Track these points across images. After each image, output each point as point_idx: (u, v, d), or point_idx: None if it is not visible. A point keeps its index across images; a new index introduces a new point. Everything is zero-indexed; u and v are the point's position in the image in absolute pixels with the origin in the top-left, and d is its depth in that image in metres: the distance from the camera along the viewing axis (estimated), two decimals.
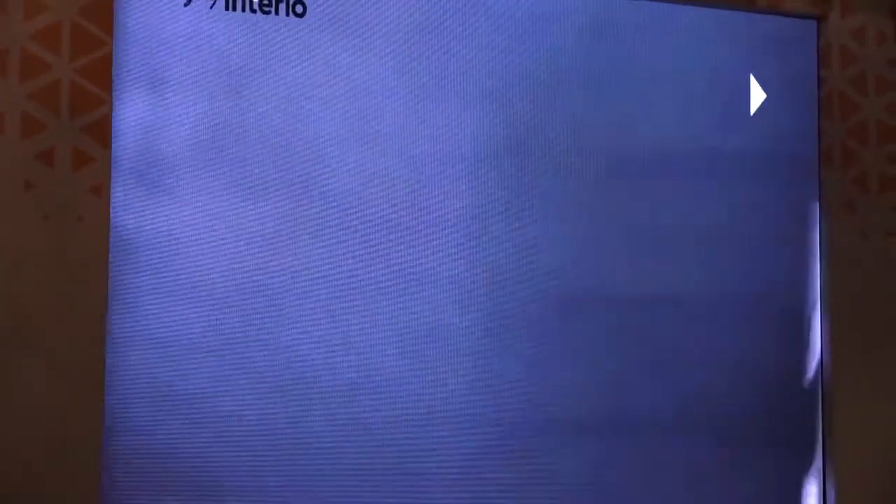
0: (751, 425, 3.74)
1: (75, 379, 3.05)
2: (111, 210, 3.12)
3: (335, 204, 3.31)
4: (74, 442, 3.05)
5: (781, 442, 3.78)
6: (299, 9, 3.31)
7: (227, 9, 3.25)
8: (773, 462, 3.76)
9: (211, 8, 3.24)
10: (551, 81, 3.58)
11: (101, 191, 3.10)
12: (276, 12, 3.30)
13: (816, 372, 3.85)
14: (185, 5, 3.22)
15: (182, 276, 3.18)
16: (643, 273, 3.66)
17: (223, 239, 3.23)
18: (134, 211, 3.16)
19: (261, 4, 3.28)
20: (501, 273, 3.47)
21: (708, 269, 3.74)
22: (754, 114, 3.85)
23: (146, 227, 3.17)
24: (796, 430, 3.80)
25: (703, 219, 3.75)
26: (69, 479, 3.04)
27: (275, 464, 3.22)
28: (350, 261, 3.33)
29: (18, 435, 3.00)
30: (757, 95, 3.87)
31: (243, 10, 3.28)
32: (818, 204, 3.90)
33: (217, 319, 3.20)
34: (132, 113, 3.19)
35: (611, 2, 3.69)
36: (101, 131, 3.12)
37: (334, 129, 3.33)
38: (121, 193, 3.14)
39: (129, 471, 3.12)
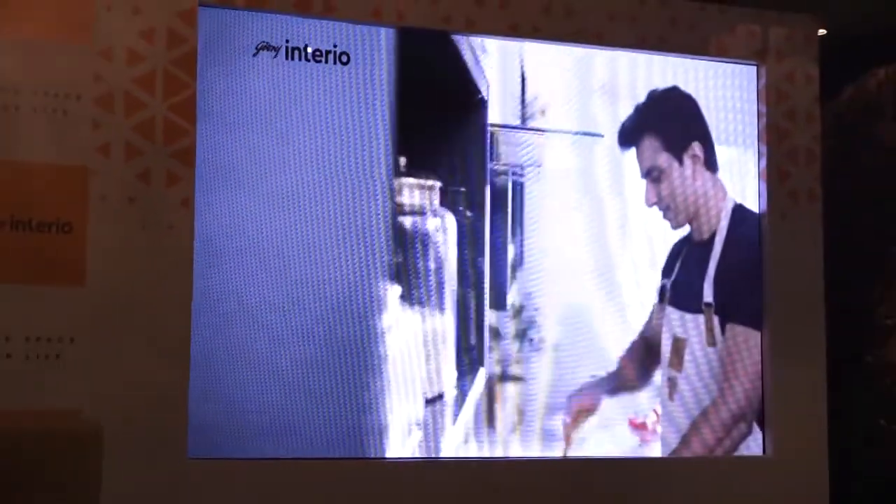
0: None
1: (167, 353, 3.60)
2: (195, 219, 3.67)
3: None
4: (165, 400, 3.58)
5: None
6: (344, 58, 3.91)
7: (287, 59, 3.85)
8: None
9: (274, 58, 3.82)
10: None
11: (187, 204, 3.65)
12: (326, 61, 3.88)
13: None
14: (254, 56, 3.81)
15: (248, 270, 3.77)
16: None
17: (273, 242, 3.79)
18: (213, 219, 3.72)
19: (314, 55, 3.87)
20: None
21: None
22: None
23: (223, 233, 3.73)
24: None
25: None
26: (161, 430, 3.58)
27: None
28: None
29: (121, 395, 3.52)
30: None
31: (300, 59, 3.85)
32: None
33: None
34: (211, 141, 3.73)
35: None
36: (187, 156, 3.65)
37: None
38: (203, 206, 3.70)
39: (212, 423, 3.67)
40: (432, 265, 3.96)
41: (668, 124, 4.31)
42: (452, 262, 4.00)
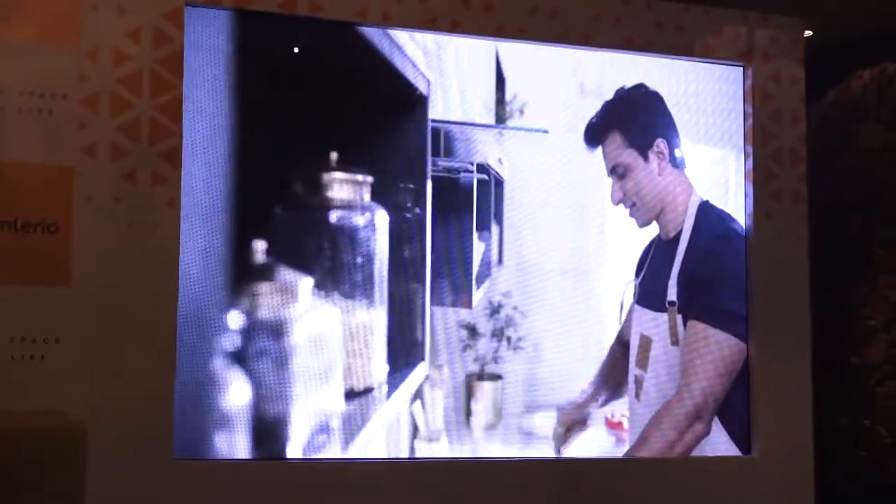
0: None
1: (153, 354, 3.60)
2: (181, 219, 3.67)
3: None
4: (151, 401, 3.57)
5: None
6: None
7: None
8: None
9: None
10: None
11: (173, 204, 3.65)
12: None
13: None
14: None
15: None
16: None
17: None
18: (198, 220, 3.71)
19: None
20: None
21: None
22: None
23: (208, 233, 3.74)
24: None
25: None
26: (147, 431, 3.58)
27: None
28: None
29: (106, 396, 3.53)
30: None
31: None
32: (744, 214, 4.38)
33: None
34: (197, 141, 3.72)
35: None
36: (173, 157, 3.65)
37: None
38: (189, 206, 3.70)
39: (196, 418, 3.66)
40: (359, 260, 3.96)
41: (632, 121, 4.32)
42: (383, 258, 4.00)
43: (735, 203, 4.40)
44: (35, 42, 3.58)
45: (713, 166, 4.38)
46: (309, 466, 3.80)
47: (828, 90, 5.02)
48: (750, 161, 4.39)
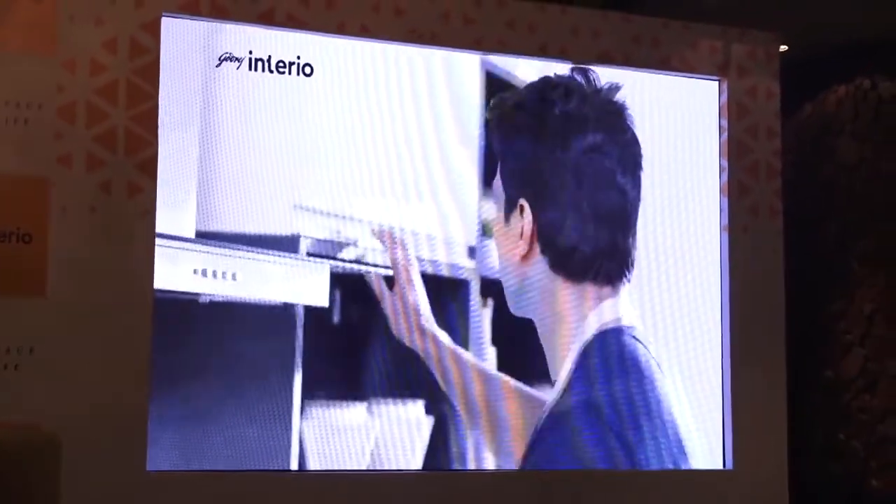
0: None
1: (127, 365, 3.59)
2: (156, 229, 3.65)
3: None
4: (125, 412, 3.56)
5: None
6: (308, 70, 3.91)
7: (250, 69, 3.85)
8: None
9: (237, 69, 3.83)
10: None
11: (148, 214, 3.64)
12: (290, 73, 3.89)
13: None
14: (217, 66, 3.80)
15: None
16: None
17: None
18: (173, 229, 3.70)
19: (277, 66, 3.87)
20: None
21: None
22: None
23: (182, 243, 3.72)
24: None
25: None
26: (121, 442, 3.56)
27: None
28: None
29: (80, 406, 3.50)
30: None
31: (263, 70, 3.86)
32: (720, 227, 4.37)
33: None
34: (173, 152, 3.72)
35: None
36: (150, 167, 3.66)
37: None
38: (164, 216, 3.68)
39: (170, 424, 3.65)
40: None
41: None
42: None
43: (710, 217, 4.41)
44: (12, 52, 3.58)
45: (688, 180, 4.38)
46: (282, 478, 3.79)
47: (803, 105, 5.06)
48: (725, 175, 4.40)
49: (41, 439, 3.35)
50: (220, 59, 3.81)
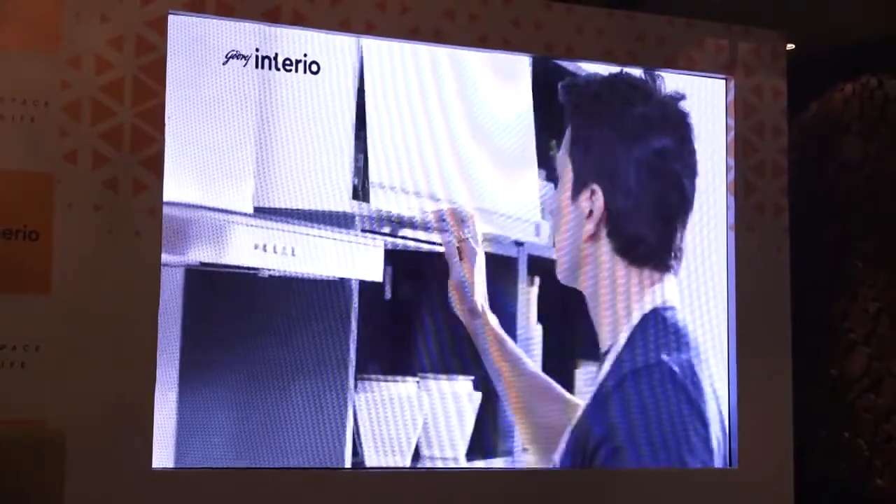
0: None
1: (133, 362, 3.59)
2: (163, 226, 3.66)
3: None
4: (131, 410, 3.57)
5: None
6: (314, 68, 3.91)
7: (256, 67, 3.85)
8: None
9: (244, 66, 3.83)
10: None
11: (154, 211, 3.66)
12: (296, 70, 3.89)
13: None
14: (224, 64, 3.81)
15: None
16: None
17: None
18: (181, 226, 3.70)
19: (283, 64, 3.88)
20: None
21: None
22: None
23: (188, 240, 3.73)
24: None
25: None
26: (126, 440, 3.57)
27: None
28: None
29: (86, 404, 3.52)
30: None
31: (269, 68, 3.86)
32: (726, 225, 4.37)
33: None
34: (180, 149, 3.72)
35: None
36: (156, 164, 3.66)
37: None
38: (169, 213, 3.68)
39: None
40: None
41: None
42: None
43: (716, 215, 4.41)
44: (17, 49, 3.58)
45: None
46: (288, 475, 3.79)
47: (809, 103, 5.05)
48: (732, 173, 4.40)
49: (46, 436, 3.37)
50: (226, 56, 3.80)
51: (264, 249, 3.78)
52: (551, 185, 4.20)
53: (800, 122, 5.00)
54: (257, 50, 3.85)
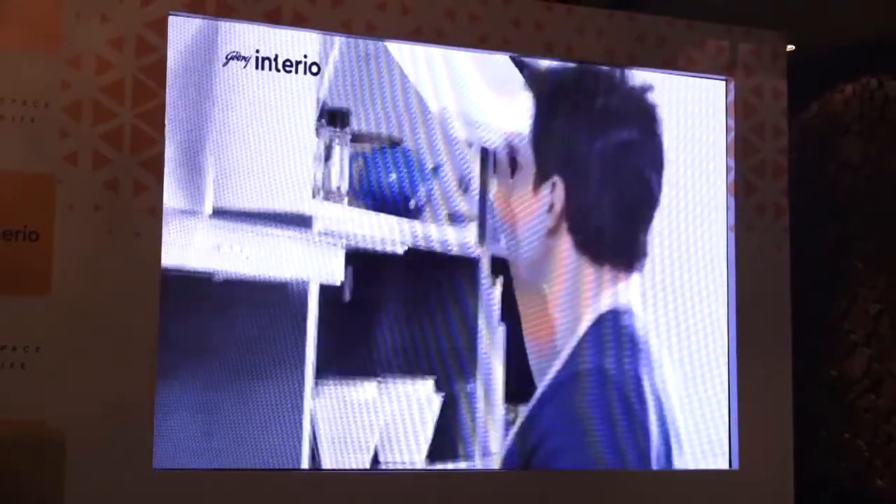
0: None
1: (133, 363, 3.59)
2: (162, 227, 3.66)
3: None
4: (131, 411, 3.57)
5: None
6: (314, 69, 3.91)
7: (256, 68, 3.85)
8: None
9: (244, 68, 3.83)
10: None
11: (154, 212, 3.65)
12: (296, 71, 3.89)
13: None
14: (224, 65, 3.81)
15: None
16: None
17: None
18: (179, 227, 3.70)
19: (283, 65, 3.88)
20: None
21: None
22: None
23: (189, 240, 3.72)
24: None
25: None
26: (126, 441, 3.57)
27: None
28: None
29: (86, 405, 3.51)
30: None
31: (269, 69, 3.86)
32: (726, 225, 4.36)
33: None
34: (180, 151, 3.72)
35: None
36: (156, 165, 3.65)
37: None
38: (170, 214, 3.68)
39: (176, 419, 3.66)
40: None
41: None
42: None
43: (717, 216, 4.41)
44: (17, 49, 3.57)
45: (695, 179, 4.38)
46: (288, 476, 3.79)
47: (810, 103, 5.05)
48: (732, 174, 4.40)
49: (46, 436, 3.35)
50: (226, 57, 3.80)
51: (219, 250, 3.75)
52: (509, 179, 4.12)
53: (800, 122, 5.00)
54: (257, 51, 3.85)
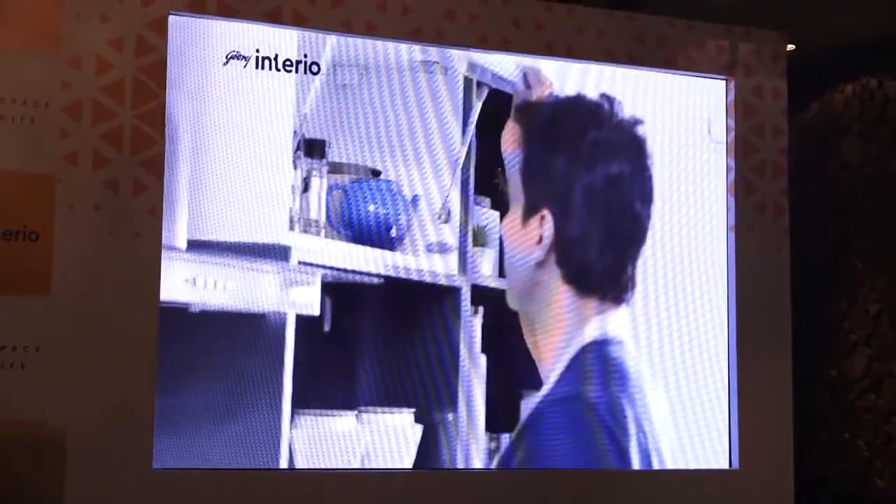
0: None
1: (133, 363, 3.59)
2: (162, 227, 3.66)
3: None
4: (131, 411, 3.56)
5: None
6: (315, 68, 3.91)
7: (257, 68, 3.85)
8: None
9: (244, 67, 3.83)
10: None
11: (154, 212, 3.66)
12: (296, 71, 3.89)
13: None
14: (224, 65, 3.81)
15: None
16: None
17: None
18: (179, 227, 3.70)
19: (284, 64, 3.88)
20: None
21: None
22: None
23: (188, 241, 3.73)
24: None
25: None
26: (126, 441, 3.56)
27: None
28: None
29: (86, 405, 3.51)
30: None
31: (270, 69, 3.86)
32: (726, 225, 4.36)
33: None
34: (180, 150, 3.72)
35: None
36: (156, 165, 3.66)
37: None
38: (169, 214, 3.68)
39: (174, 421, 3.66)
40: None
41: None
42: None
43: (717, 216, 4.41)
44: (17, 49, 3.57)
45: (694, 179, 4.38)
46: (289, 476, 3.79)
47: (810, 103, 5.05)
48: (732, 174, 4.39)
49: (46, 436, 3.36)
50: (227, 57, 3.80)
51: (194, 283, 3.73)
52: (497, 212, 4.12)
53: (800, 122, 4.99)
54: (258, 51, 3.85)
